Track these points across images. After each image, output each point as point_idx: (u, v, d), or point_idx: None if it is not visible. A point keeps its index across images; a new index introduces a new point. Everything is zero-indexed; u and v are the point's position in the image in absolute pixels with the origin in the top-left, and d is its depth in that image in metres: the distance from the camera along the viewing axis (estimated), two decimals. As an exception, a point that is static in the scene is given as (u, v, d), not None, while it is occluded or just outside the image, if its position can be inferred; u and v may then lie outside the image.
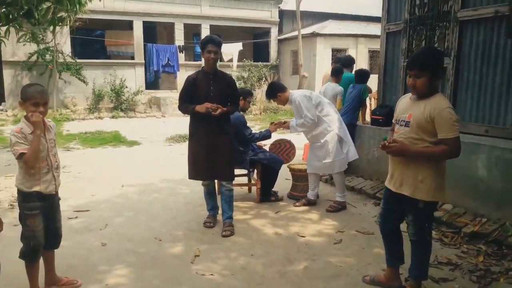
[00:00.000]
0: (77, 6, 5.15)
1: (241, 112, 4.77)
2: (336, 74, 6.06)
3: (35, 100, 2.58)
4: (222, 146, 3.93)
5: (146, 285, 2.99)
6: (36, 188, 2.66)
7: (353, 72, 6.19)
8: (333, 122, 4.48)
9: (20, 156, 2.55)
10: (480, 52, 4.08)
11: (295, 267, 3.26)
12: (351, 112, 5.49)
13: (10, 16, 4.56)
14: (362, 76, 5.69)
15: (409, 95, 2.72)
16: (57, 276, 2.95)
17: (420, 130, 2.51)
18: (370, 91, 6.33)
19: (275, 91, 4.53)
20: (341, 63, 6.56)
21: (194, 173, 4.03)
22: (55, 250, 2.93)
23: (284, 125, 4.61)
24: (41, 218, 2.71)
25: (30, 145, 2.56)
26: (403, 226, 2.85)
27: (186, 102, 3.92)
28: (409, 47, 4.82)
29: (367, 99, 6.56)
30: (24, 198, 2.66)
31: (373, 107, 7.00)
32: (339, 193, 4.63)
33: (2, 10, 4.32)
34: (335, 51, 16.70)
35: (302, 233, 3.94)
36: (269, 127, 4.79)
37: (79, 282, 2.97)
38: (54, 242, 2.88)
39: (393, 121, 2.85)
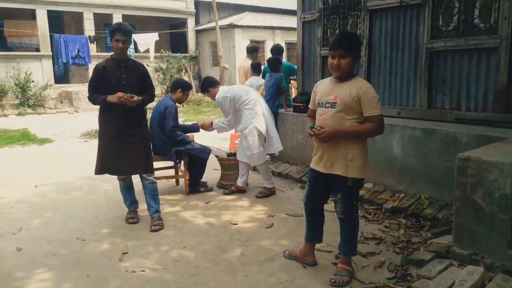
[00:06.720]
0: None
1: (176, 104, 4.66)
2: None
3: None
4: (137, 138, 3.73)
5: (72, 286, 2.78)
6: None
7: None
8: (256, 116, 4.56)
9: None
10: (389, 39, 4.39)
11: (229, 254, 3.24)
12: (271, 102, 5.45)
13: None
14: (275, 64, 5.66)
15: (327, 79, 2.79)
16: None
17: (347, 109, 2.58)
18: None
19: (207, 86, 4.76)
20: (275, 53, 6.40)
21: (100, 168, 3.77)
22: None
23: (209, 126, 4.88)
24: None
25: None
26: (327, 207, 2.96)
27: (96, 92, 3.64)
28: (324, 36, 5.03)
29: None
30: None
31: (293, 95, 7.15)
32: (266, 181, 4.71)
33: None
34: (253, 42, 16.92)
35: (234, 221, 3.94)
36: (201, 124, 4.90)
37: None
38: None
39: (310, 106, 2.91)
